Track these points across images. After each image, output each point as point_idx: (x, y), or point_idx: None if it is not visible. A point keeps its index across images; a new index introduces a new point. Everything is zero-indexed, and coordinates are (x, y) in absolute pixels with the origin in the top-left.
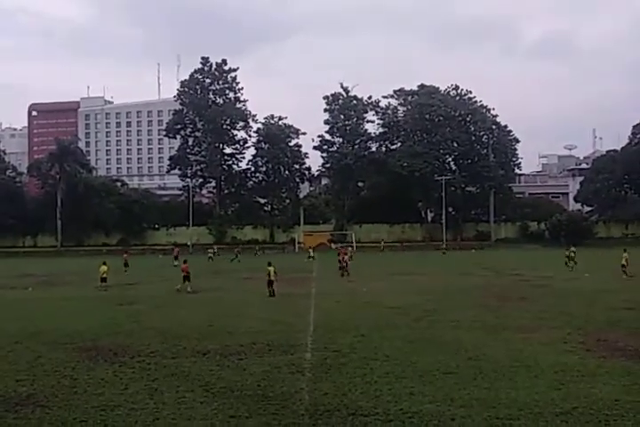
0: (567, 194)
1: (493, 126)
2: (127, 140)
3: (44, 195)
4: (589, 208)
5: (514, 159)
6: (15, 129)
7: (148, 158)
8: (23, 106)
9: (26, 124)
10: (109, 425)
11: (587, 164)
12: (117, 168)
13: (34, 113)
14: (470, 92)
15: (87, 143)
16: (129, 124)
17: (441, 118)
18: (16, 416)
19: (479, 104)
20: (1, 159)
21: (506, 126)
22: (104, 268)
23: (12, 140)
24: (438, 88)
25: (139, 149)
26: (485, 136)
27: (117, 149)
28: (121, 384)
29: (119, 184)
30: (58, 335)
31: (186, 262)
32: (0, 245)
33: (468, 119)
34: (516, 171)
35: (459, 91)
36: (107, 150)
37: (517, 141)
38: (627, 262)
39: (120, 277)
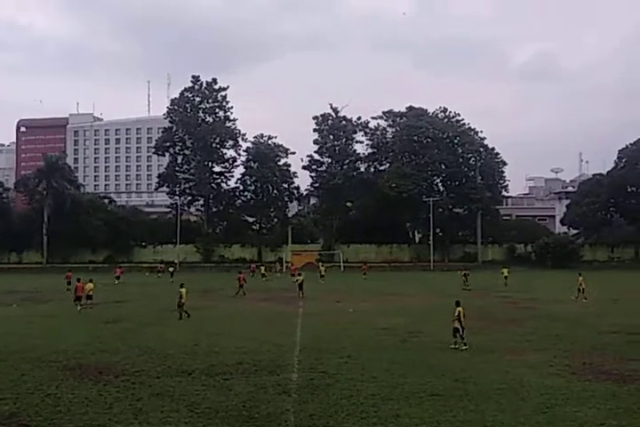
0: (554, 217)
1: (481, 149)
2: (116, 157)
3: (31, 211)
4: (575, 231)
5: (501, 181)
6: (3, 145)
7: (137, 175)
8: (11, 122)
9: (14, 140)
10: None
11: (573, 187)
12: (105, 185)
13: (22, 129)
14: (458, 115)
15: (75, 160)
16: (118, 140)
17: (429, 140)
18: None
19: (467, 126)
20: None
21: (493, 149)
22: (90, 285)
23: (0, 156)
24: (427, 110)
25: (127, 166)
26: (473, 158)
27: (106, 166)
28: (105, 403)
29: (107, 201)
30: (42, 353)
31: (241, 273)
32: None
33: (456, 141)
34: (504, 193)
35: (447, 113)
36: (95, 167)
37: (504, 164)
38: (582, 286)
39: (106, 294)
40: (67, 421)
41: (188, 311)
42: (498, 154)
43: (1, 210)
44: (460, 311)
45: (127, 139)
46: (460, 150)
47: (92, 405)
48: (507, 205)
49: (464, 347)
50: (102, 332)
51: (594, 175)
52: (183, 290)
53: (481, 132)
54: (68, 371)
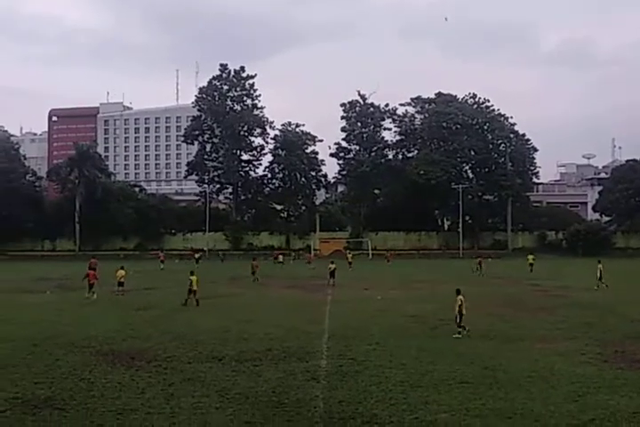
0: (586, 204)
1: (511, 135)
2: (145, 146)
3: (63, 199)
4: (608, 218)
5: (532, 168)
6: (35, 134)
7: (166, 164)
8: (43, 111)
9: (46, 130)
10: None
11: (606, 173)
12: (135, 173)
13: (54, 118)
14: (488, 101)
15: (106, 148)
16: (147, 129)
17: (458, 126)
18: (34, 419)
19: (497, 112)
20: (21, 164)
21: (524, 135)
22: (121, 272)
23: (32, 145)
24: (456, 96)
25: (157, 155)
26: (503, 144)
27: (136, 155)
28: (138, 388)
29: (137, 189)
30: (75, 339)
31: (255, 259)
32: (19, 249)
33: (485, 127)
34: (534, 180)
35: (476, 99)
36: (125, 156)
37: (535, 150)
38: (601, 273)
39: (137, 281)
40: (100, 405)
41: (198, 300)
42: (529, 140)
43: (34, 198)
44: (460, 300)
45: (156, 127)
46: (490, 136)
47: (124, 390)
48: (537, 191)
49: (457, 335)
50: (133, 318)
51: (627, 161)
52: (194, 278)
53: (511, 117)
54: (101, 356)
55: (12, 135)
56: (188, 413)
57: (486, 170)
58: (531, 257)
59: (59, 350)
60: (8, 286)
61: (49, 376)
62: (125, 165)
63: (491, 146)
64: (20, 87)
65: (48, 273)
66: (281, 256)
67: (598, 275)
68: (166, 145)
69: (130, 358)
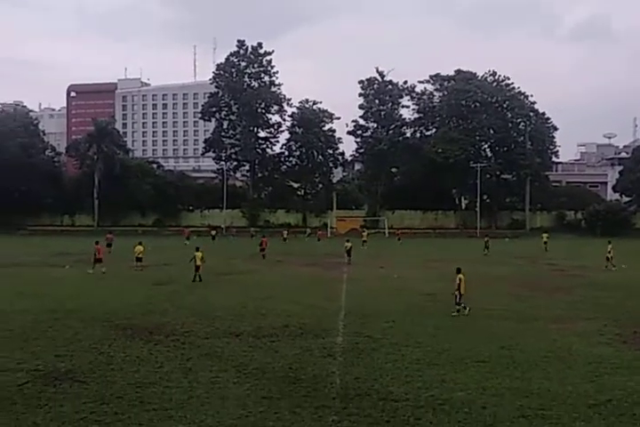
0: (605, 183)
1: (531, 113)
2: (163, 122)
3: (82, 175)
4: (628, 198)
5: (551, 147)
6: (54, 110)
7: (184, 141)
8: (62, 87)
9: (64, 105)
10: (145, 402)
11: (626, 153)
12: (153, 150)
13: (72, 94)
14: (508, 79)
15: (124, 125)
16: (165, 106)
17: (477, 104)
18: (55, 391)
19: (517, 90)
20: (40, 139)
21: (544, 113)
22: (140, 248)
23: (51, 121)
24: (475, 74)
25: (174, 132)
26: (522, 123)
27: (153, 131)
28: (156, 362)
29: (155, 166)
30: (95, 313)
31: (265, 237)
32: (39, 224)
33: (505, 106)
34: (554, 159)
35: (496, 77)
36: (143, 132)
37: (555, 129)
38: (610, 254)
39: (155, 257)
40: (120, 378)
41: (200, 276)
42: (548, 119)
43: (53, 174)
44: (460, 279)
45: (174, 104)
46: (510, 115)
47: (143, 363)
48: (557, 171)
49: (455, 313)
50: (151, 293)
51: None
52: (198, 254)
53: (531, 96)
54: (120, 330)
55: (31, 111)
56: (206, 387)
57: (505, 149)
58: (545, 235)
59: (79, 323)
60: (29, 260)
61: (69, 349)
62: (143, 141)
63: (510, 124)
64: (39, 62)
65: (67, 248)
66: (285, 232)
67: (608, 256)
68: (184, 122)
69: (148, 332)
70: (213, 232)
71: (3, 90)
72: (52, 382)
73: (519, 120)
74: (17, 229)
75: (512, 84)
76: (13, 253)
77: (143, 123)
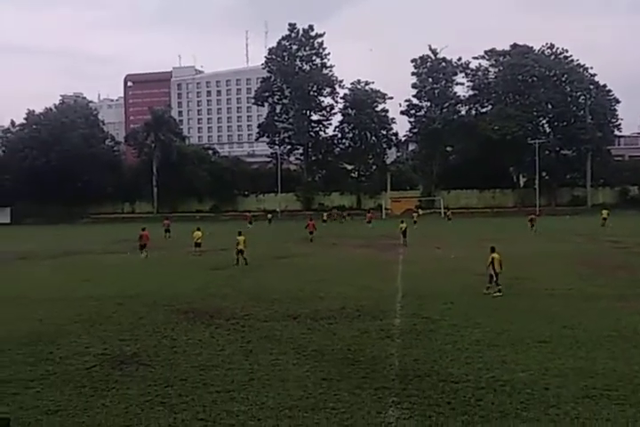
0: None
1: (591, 86)
2: (217, 109)
3: (141, 163)
4: None
5: (613, 120)
6: (112, 100)
7: (238, 126)
8: (119, 77)
9: (122, 95)
10: (208, 384)
11: None
12: (208, 136)
13: (129, 84)
14: (566, 51)
15: (179, 112)
16: (219, 92)
17: (534, 79)
18: (122, 374)
19: (576, 63)
20: (100, 129)
21: (605, 86)
22: (198, 233)
23: (110, 111)
24: (532, 47)
25: (228, 118)
26: (582, 97)
27: (208, 118)
28: (217, 345)
29: (210, 152)
30: (157, 298)
31: (311, 220)
32: (101, 212)
33: (563, 79)
34: (616, 132)
35: (554, 50)
36: (198, 119)
37: (617, 102)
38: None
39: (213, 242)
40: (183, 361)
41: (246, 259)
42: (610, 91)
43: (113, 163)
44: (493, 258)
45: (227, 90)
46: (569, 88)
47: (205, 346)
48: (619, 145)
49: (498, 294)
50: (210, 278)
51: None
52: (241, 238)
53: (591, 68)
54: (182, 315)
55: (91, 102)
56: (267, 369)
57: (564, 124)
58: (605, 212)
59: (142, 308)
60: (91, 248)
61: (134, 333)
62: (198, 128)
63: (569, 98)
64: (96, 53)
65: (128, 235)
66: (325, 214)
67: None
68: (237, 107)
69: (209, 316)
70: (270, 216)
71: (63, 82)
72: (118, 365)
73: (579, 94)
74: (80, 218)
75: (570, 56)
76: (77, 241)
77: (198, 110)
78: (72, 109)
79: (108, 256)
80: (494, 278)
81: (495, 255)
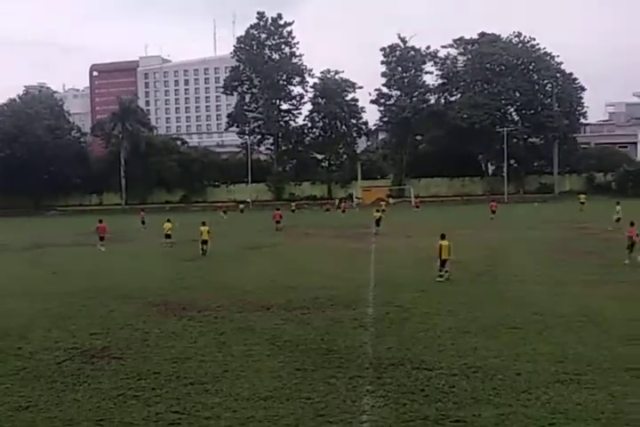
0: (635, 144)
1: (558, 74)
2: (185, 99)
3: (108, 154)
4: None
5: (579, 108)
6: (78, 90)
7: (207, 116)
8: (84, 67)
9: (87, 85)
10: (181, 377)
11: None
12: (177, 126)
13: (95, 73)
14: (534, 39)
15: (147, 102)
16: (187, 82)
17: (503, 67)
18: (93, 368)
19: (543, 51)
20: (66, 120)
21: (571, 74)
22: (168, 225)
23: (75, 101)
24: (500, 36)
25: (197, 107)
26: (549, 85)
27: (176, 108)
28: (190, 338)
29: (179, 142)
30: (128, 290)
31: (278, 209)
32: (69, 204)
33: (531, 67)
34: (582, 120)
35: (521, 38)
36: (166, 109)
37: (583, 89)
38: (618, 215)
39: (182, 233)
40: (155, 354)
41: (207, 251)
42: (576, 79)
43: (80, 154)
44: (441, 245)
45: (195, 79)
46: (536, 77)
47: (178, 339)
48: (585, 132)
49: (440, 279)
50: (182, 269)
51: None
52: (204, 228)
53: (557, 56)
54: (154, 307)
55: (56, 92)
56: (241, 360)
57: (532, 112)
58: (582, 196)
59: (113, 301)
60: (61, 240)
61: (105, 327)
62: (166, 118)
63: (536, 86)
64: (60, 43)
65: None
66: (293, 204)
67: (615, 217)
68: (206, 97)
69: (181, 308)
70: (242, 206)
71: (27, 72)
72: (89, 359)
73: (546, 82)
74: (47, 210)
75: (538, 45)
76: (45, 233)
77: (166, 100)
78: (37, 100)
79: (78, 249)
80: (442, 265)
81: (444, 243)
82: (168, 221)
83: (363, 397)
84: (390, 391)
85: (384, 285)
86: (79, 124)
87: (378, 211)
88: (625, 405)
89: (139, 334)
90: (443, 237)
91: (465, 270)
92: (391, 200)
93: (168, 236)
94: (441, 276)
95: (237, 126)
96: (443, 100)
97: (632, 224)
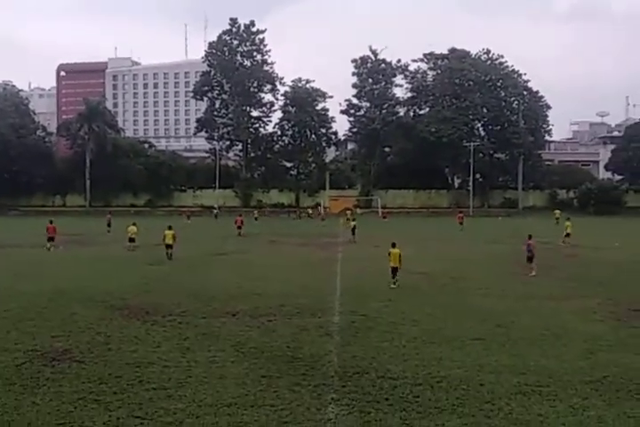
0: (598, 162)
1: (524, 92)
2: (154, 102)
3: (74, 155)
4: (620, 177)
5: (544, 126)
6: (44, 89)
7: (175, 120)
8: (51, 66)
9: (54, 85)
10: (144, 382)
11: (619, 131)
12: (145, 129)
13: (62, 73)
14: (502, 57)
15: (115, 104)
16: (156, 85)
17: (471, 83)
18: (54, 371)
19: (510, 69)
20: (31, 119)
21: (537, 92)
22: (133, 228)
23: (41, 101)
24: (469, 52)
25: (166, 111)
26: (516, 102)
27: (145, 111)
28: (154, 342)
29: (147, 146)
30: (91, 294)
31: (240, 215)
32: (30, 204)
33: (498, 84)
34: (547, 138)
35: (490, 55)
36: (134, 111)
37: (549, 107)
38: (567, 230)
39: (147, 237)
40: (117, 358)
41: (171, 255)
42: (542, 97)
43: (44, 154)
44: (390, 253)
45: (165, 83)
46: (503, 93)
47: (140, 343)
48: (549, 149)
49: (393, 286)
50: (146, 274)
51: None
52: (169, 232)
53: (524, 74)
54: (117, 311)
55: (21, 90)
56: (205, 366)
57: (498, 127)
58: (558, 212)
59: (75, 304)
60: (22, 241)
61: (66, 330)
62: (134, 120)
63: (503, 103)
64: (27, 41)
65: (60, 228)
66: (256, 211)
67: (566, 232)
68: (175, 101)
69: (145, 312)
70: (215, 211)
71: None
72: (49, 362)
73: (513, 99)
74: (9, 210)
75: (506, 62)
76: (6, 234)
77: (134, 102)
78: (1, 98)
79: (39, 250)
80: (394, 273)
81: (394, 251)
82: (133, 224)
83: (327, 405)
84: (355, 400)
85: (350, 293)
86: (44, 123)
87: (349, 220)
88: (585, 417)
89: (101, 337)
90: (394, 245)
91: (431, 281)
92: (358, 210)
93: (132, 239)
94: (394, 283)
95: (206, 131)
96: (412, 113)
97: (530, 237)
